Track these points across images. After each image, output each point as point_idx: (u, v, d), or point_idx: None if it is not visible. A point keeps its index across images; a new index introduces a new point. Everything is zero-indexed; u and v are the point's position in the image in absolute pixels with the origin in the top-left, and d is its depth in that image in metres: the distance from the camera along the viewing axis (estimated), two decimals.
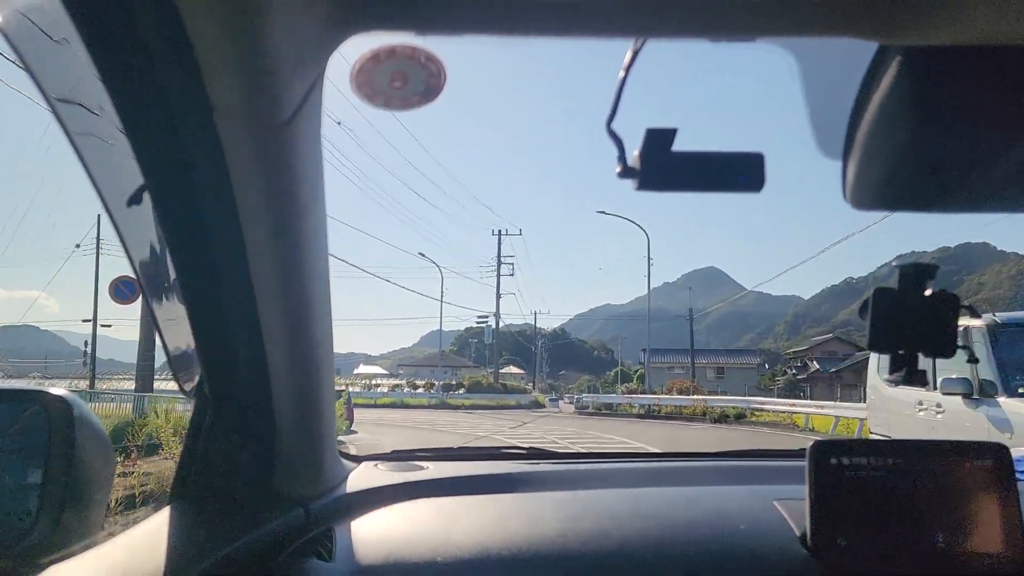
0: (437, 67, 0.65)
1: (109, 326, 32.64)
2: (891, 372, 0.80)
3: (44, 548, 0.74)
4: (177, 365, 0.95)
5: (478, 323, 47.59)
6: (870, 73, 0.55)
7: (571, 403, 50.87)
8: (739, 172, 0.62)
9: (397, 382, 47.98)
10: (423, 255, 36.72)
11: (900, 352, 0.78)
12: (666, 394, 32.11)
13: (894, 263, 0.83)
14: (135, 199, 0.75)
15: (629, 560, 0.95)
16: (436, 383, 42.03)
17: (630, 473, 1.35)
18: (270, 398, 0.93)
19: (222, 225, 0.78)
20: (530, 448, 1.57)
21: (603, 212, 33.16)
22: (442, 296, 41.14)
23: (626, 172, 0.62)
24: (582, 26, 0.53)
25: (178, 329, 0.89)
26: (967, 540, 0.94)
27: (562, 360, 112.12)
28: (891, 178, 0.60)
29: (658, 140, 0.61)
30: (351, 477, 1.18)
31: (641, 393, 34.47)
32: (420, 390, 42.30)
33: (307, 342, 0.92)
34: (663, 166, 0.61)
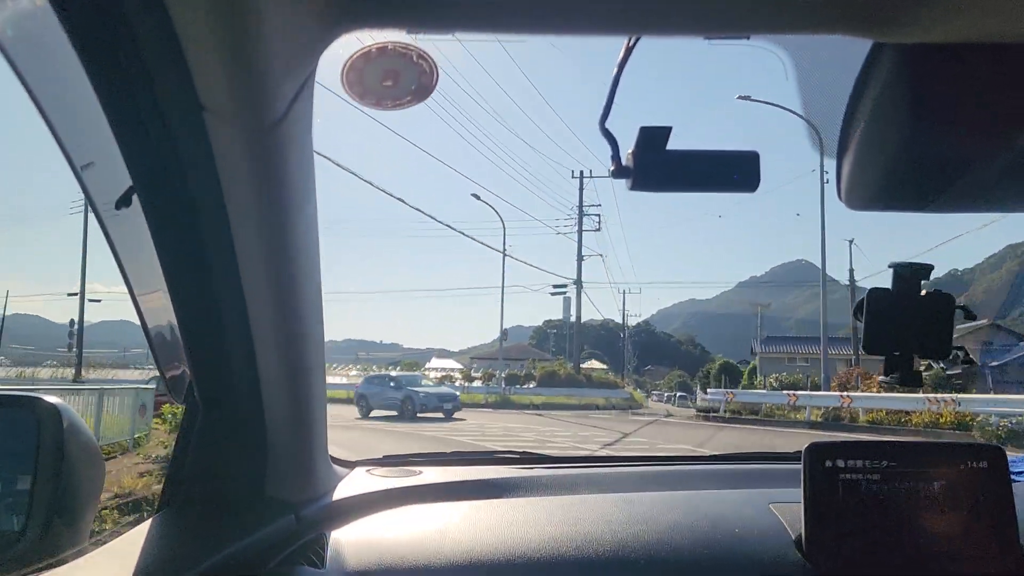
0: (429, 65, 0.68)
1: (99, 301, 33.70)
2: (885, 374, 0.84)
3: (33, 556, 0.77)
4: (166, 369, 0.98)
5: (554, 293, 39.80)
6: (864, 71, 0.56)
7: (660, 401, 44.50)
8: (734, 171, 0.65)
9: (445, 373, 41.71)
10: (476, 196, 30.77)
11: (895, 354, 0.81)
12: (849, 390, 20.92)
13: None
14: (123, 200, 0.78)
15: (623, 565, 0.98)
16: (497, 373, 35.86)
17: (625, 477, 1.37)
18: (260, 403, 0.96)
19: (211, 227, 0.80)
20: (523, 452, 1.58)
21: (745, 97, 25.16)
22: (504, 250, 33.65)
23: (620, 171, 0.64)
24: (575, 24, 0.54)
25: (167, 332, 0.92)
26: (962, 542, 0.97)
27: (647, 354, 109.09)
28: (886, 177, 0.61)
29: (652, 138, 0.63)
30: (343, 483, 1.21)
31: (812, 390, 23.26)
32: (477, 383, 36.50)
33: (298, 346, 0.94)
34: (657, 165, 0.64)
